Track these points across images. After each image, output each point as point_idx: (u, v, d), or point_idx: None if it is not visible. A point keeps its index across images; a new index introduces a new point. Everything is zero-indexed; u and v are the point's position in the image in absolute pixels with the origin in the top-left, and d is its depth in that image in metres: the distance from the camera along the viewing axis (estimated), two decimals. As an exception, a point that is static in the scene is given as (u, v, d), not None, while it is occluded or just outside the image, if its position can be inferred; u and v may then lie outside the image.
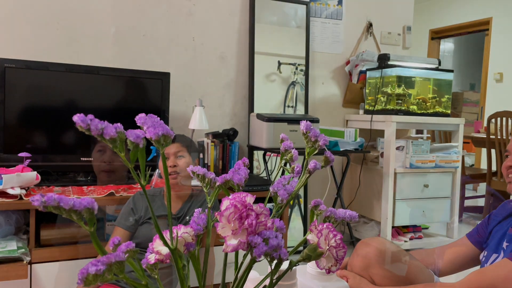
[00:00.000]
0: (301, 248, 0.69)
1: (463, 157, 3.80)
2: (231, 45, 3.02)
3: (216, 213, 0.61)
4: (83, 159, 2.31)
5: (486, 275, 1.15)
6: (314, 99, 3.34)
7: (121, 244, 0.57)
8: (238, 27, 3.04)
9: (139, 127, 0.58)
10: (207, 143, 2.67)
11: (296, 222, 3.22)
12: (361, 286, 1.20)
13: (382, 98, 3.15)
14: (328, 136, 2.06)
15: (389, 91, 3.09)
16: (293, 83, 3.22)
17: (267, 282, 0.64)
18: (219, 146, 2.71)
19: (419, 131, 3.87)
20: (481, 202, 4.27)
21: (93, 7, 2.64)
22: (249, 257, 0.62)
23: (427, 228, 3.39)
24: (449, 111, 3.25)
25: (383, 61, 3.13)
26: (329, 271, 0.63)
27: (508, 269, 1.13)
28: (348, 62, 3.41)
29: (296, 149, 0.75)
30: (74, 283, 1.84)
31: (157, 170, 2.43)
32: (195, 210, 0.69)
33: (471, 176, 4.05)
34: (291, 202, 3.14)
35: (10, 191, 1.81)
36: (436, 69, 3.25)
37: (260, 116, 2.75)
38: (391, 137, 2.96)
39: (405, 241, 3.08)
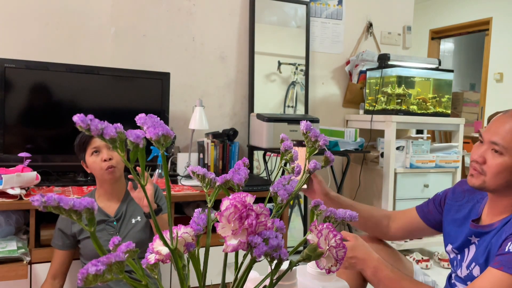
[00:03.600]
0: (301, 248, 0.69)
1: (463, 157, 3.81)
2: (231, 45, 3.02)
3: (216, 213, 0.61)
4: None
5: None
6: (314, 99, 3.34)
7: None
8: (238, 27, 3.04)
9: (139, 127, 0.58)
10: (207, 143, 2.67)
11: (296, 222, 3.22)
12: (357, 251, 1.21)
13: (382, 98, 3.15)
14: (328, 136, 2.06)
15: (389, 91, 3.09)
16: (293, 83, 3.22)
17: (267, 282, 0.64)
18: (219, 146, 2.71)
19: (419, 131, 3.87)
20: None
21: (93, 7, 2.64)
22: (249, 257, 0.62)
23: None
24: (449, 111, 3.25)
25: (383, 61, 3.13)
26: (329, 271, 0.63)
27: (494, 278, 1.07)
28: (348, 62, 3.41)
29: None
30: (74, 283, 1.84)
31: (157, 170, 2.43)
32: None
33: (471, 176, 4.03)
34: (291, 202, 3.14)
35: (10, 191, 1.81)
36: (436, 69, 3.25)
37: (260, 116, 2.74)
38: (391, 137, 2.96)
39: (405, 241, 3.08)
